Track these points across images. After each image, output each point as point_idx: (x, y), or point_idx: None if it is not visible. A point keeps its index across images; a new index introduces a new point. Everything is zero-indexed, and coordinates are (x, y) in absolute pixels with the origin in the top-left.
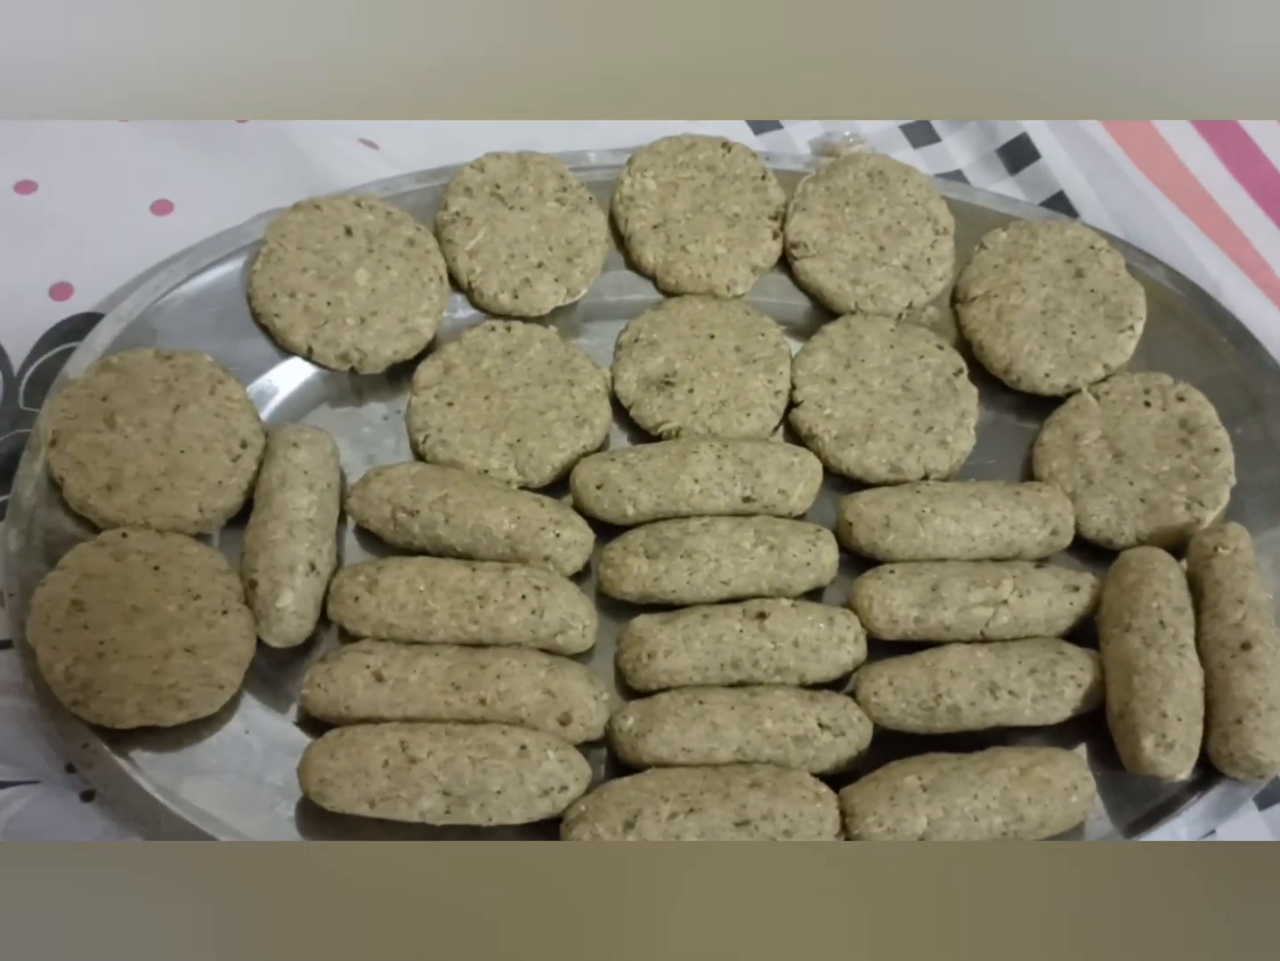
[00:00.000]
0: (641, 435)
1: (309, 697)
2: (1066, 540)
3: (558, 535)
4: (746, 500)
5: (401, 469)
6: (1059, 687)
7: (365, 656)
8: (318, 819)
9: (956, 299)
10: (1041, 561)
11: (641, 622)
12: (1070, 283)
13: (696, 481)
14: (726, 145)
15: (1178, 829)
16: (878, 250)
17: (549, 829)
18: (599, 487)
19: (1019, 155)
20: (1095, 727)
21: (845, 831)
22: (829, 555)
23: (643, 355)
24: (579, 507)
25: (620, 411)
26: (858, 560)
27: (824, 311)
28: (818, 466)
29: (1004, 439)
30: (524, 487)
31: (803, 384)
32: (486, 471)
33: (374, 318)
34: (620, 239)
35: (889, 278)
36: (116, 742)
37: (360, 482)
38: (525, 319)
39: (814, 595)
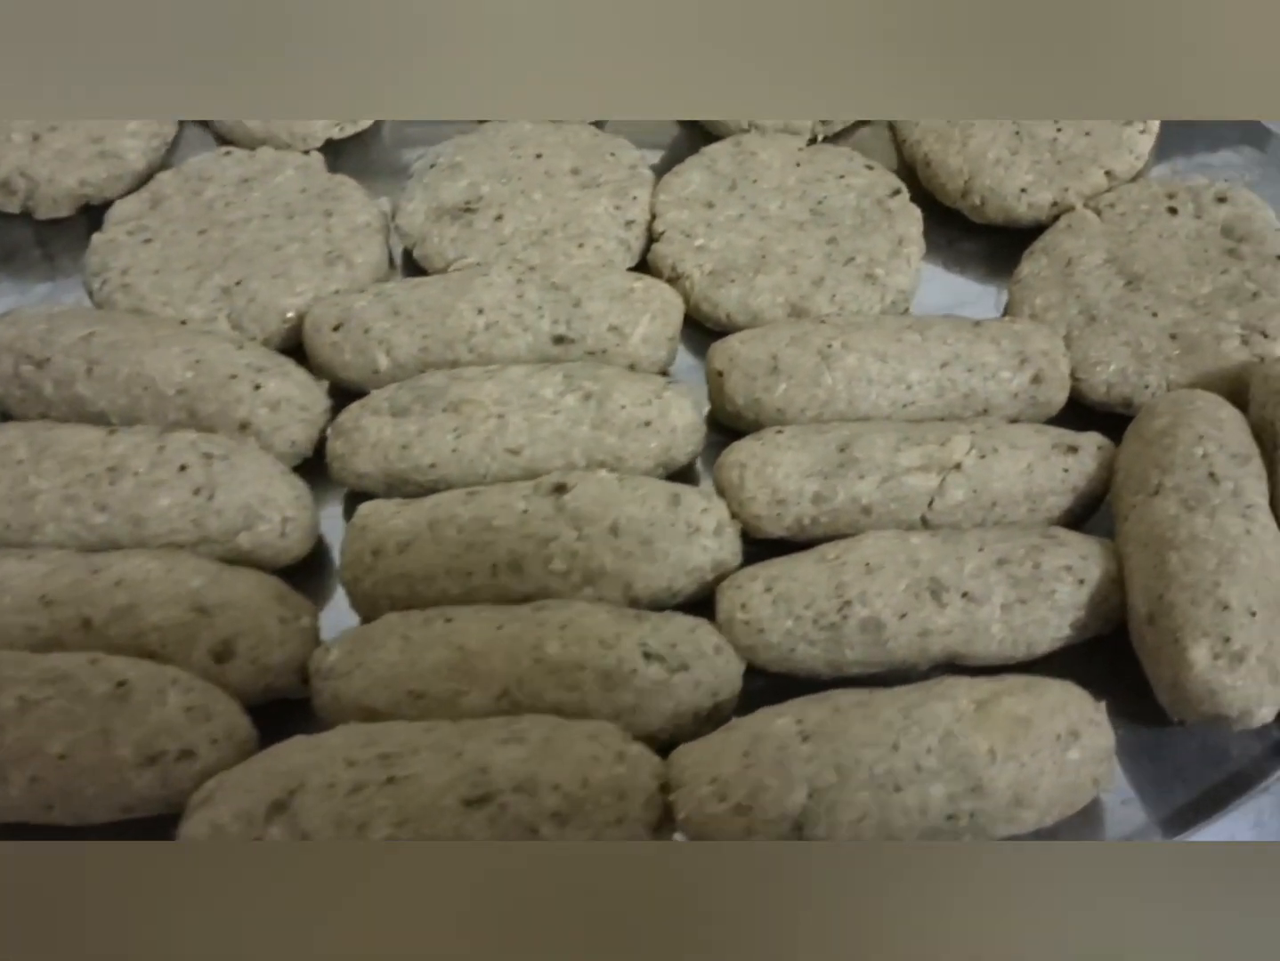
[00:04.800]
0: None
1: None
2: (1057, 394)
3: (258, 387)
4: (560, 340)
5: (40, 309)
6: (1047, 586)
7: None
8: None
9: None
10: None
11: (371, 507)
12: None
13: (481, 313)
14: None
15: (1263, 812)
16: None
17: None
18: (337, 329)
19: None
20: (1109, 667)
21: (666, 812)
22: (681, 413)
23: (439, 180)
24: (317, 367)
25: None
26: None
27: (710, 136)
28: (673, 298)
29: (967, 297)
30: None
31: (665, 210)
32: (184, 323)
33: (53, 134)
34: None
35: None
36: None
37: None
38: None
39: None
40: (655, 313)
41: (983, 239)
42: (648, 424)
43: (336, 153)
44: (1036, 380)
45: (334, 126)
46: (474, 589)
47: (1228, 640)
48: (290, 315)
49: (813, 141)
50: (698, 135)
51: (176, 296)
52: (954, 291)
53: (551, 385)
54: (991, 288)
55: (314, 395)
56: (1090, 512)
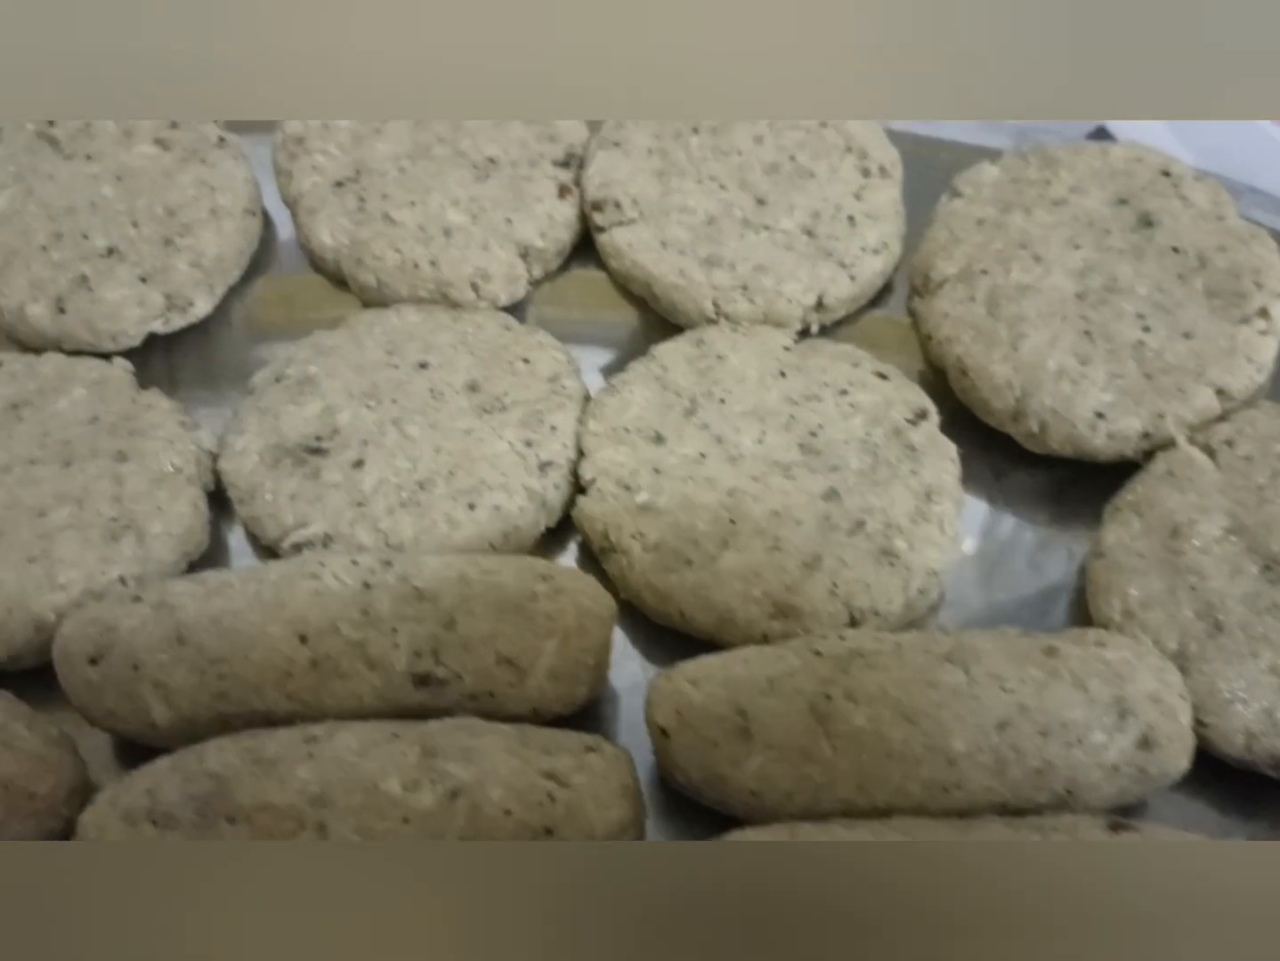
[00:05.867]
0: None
1: None
2: (1176, 761)
3: None
4: (424, 681)
5: None
6: None
7: None
8: None
9: (914, 289)
10: (1121, 821)
11: None
12: (1129, 238)
13: (305, 641)
14: None
15: None
16: (753, 206)
17: None
18: (95, 662)
19: None
20: None
21: None
22: (601, 808)
23: (281, 404)
24: (79, 710)
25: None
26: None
27: (661, 324)
28: (596, 604)
29: (1022, 550)
30: None
31: (597, 447)
32: None
33: None
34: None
35: (775, 252)
36: None
37: None
38: (88, 353)
39: None
40: (569, 632)
41: (1042, 469)
42: (549, 832)
43: (168, 351)
44: (1146, 745)
45: (156, 318)
46: None
47: None
48: (51, 618)
49: (803, 334)
50: (652, 324)
51: None
52: (997, 549)
53: (400, 771)
54: (1057, 542)
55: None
56: None
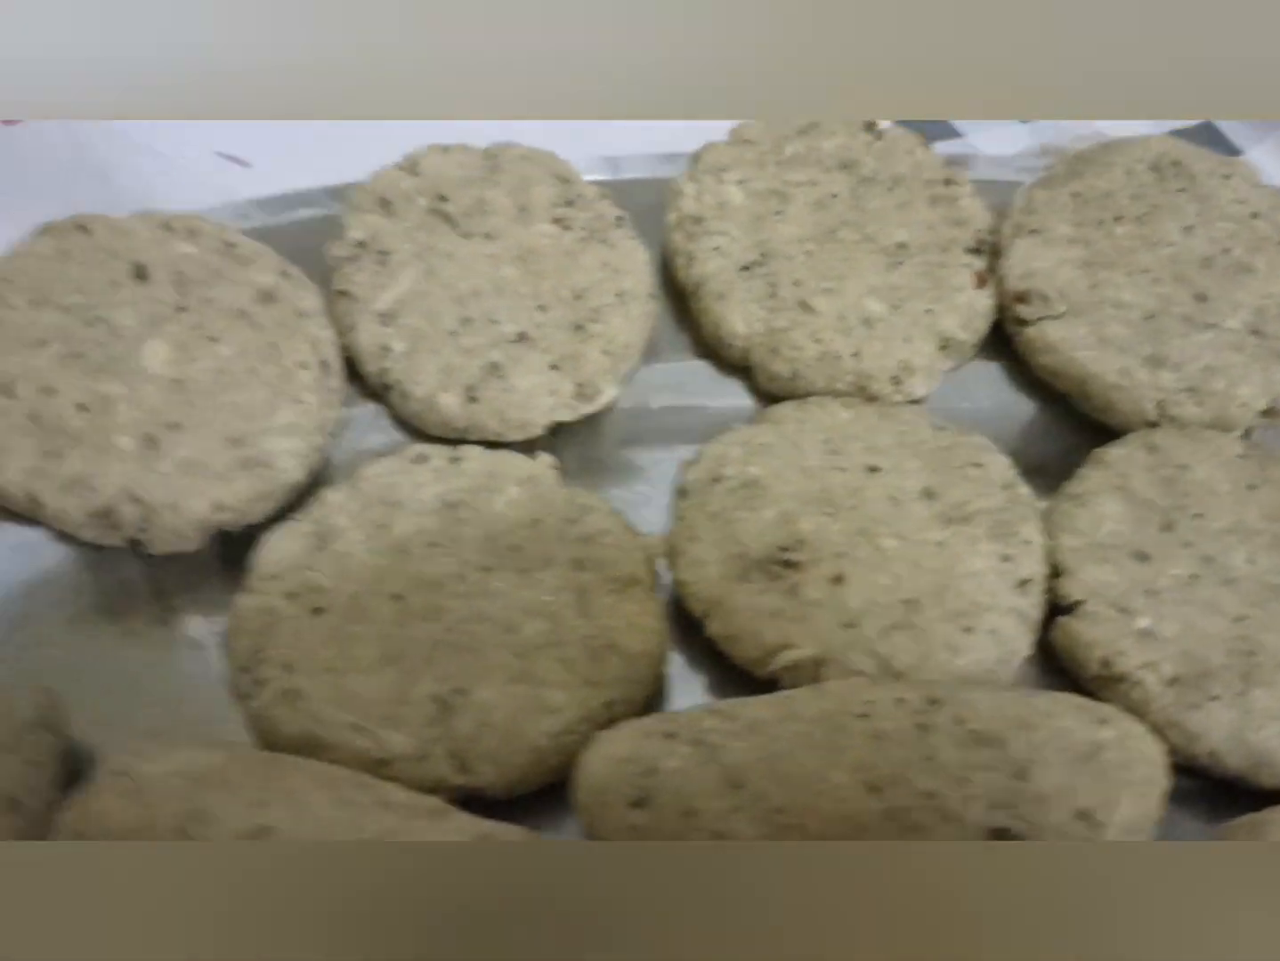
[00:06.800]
0: (741, 682)
1: None
2: None
3: None
4: (999, 837)
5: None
6: None
7: None
8: None
9: None
10: None
11: None
12: None
13: (876, 791)
14: (873, 127)
15: None
16: (1192, 301)
17: None
18: (638, 805)
19: None
20: None
21: None
22: None
23: (732, 509)
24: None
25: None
26: None
27: (1089, 424)
28: (1154, 749)
29: None
30: (467, 802)
31: (1077, 565)
32: (384, 763)
33: (175, 438)
34: (679, 294)
35: (1223, 352)
36: None
37: None
38: (493, 444)
39: None
40: (1141, 783)
41: None
42: None
43: (553, 437)
44: None
45: (564, 407)
46: None
47: None
48: (545, 744)
49: (1246, 436)
50: (1051, 420)
51: (369, 713)
52: None
53: None
54: None
55: None
56: None
